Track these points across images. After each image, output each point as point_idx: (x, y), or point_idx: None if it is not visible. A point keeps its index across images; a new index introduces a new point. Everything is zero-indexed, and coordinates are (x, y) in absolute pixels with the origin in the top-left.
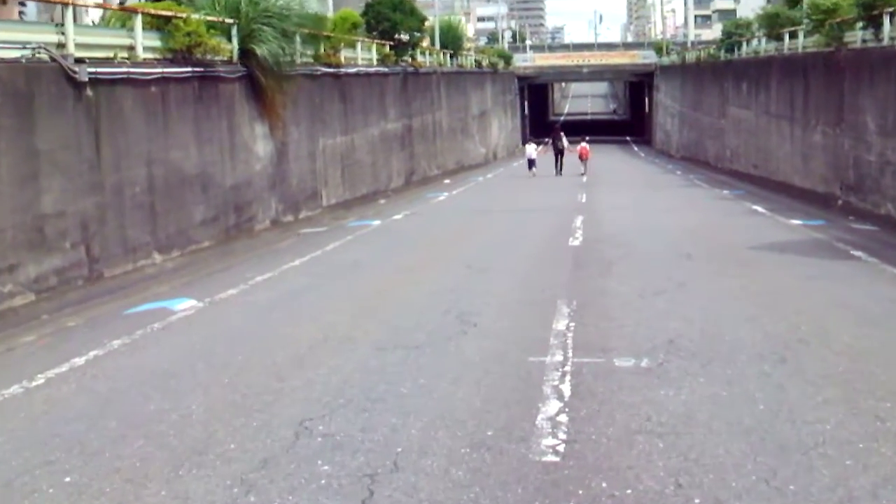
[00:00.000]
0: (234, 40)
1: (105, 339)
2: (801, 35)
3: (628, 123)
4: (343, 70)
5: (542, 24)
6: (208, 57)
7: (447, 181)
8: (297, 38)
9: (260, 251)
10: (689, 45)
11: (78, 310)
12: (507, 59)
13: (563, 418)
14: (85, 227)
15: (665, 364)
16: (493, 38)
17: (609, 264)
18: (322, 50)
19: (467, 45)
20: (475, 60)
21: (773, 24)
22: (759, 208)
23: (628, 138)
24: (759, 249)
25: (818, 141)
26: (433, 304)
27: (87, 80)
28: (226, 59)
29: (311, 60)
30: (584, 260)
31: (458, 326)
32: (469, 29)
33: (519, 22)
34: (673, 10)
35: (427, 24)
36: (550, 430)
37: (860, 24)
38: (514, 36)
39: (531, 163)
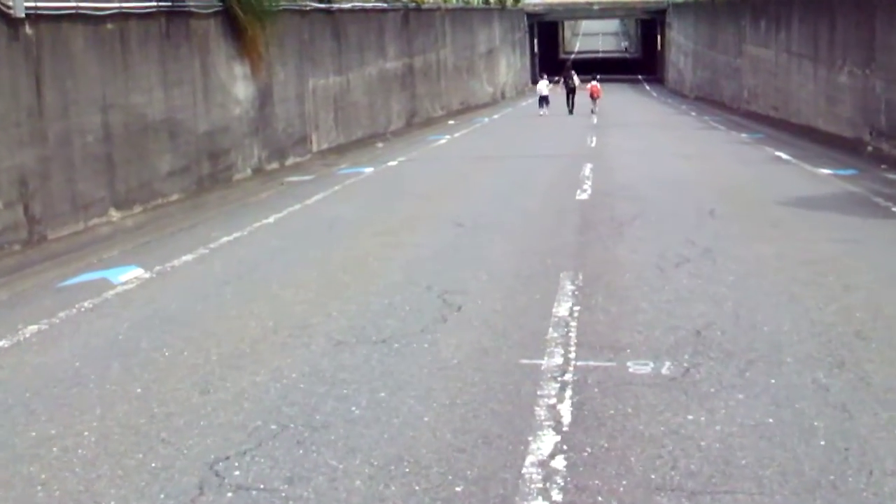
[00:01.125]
0: None
1: (21, 323)
2: None
3: (640, 62)
4: (336, 5)
5: None
6: None
7: (451, 122)
8: None
9: (234, 205)
10: None
11: (7, 281)
12: None
13: (559, 463)
14: (23, 184)
15: (692, 371)
16: None
17: (621, 224)
18: None
19: None
20: None
21: None
22: (783, 155)
23: (640, 77)
24: (789, 205)
25: (845, 82)
26: (413, 278)
27: (23, 15)
28: None
29: None
30: (592, 218)
31: (438, 310)
32: None
33: None
34: None
35: None
36: (541, 485)
37: None
38: None
39: (543, 100)
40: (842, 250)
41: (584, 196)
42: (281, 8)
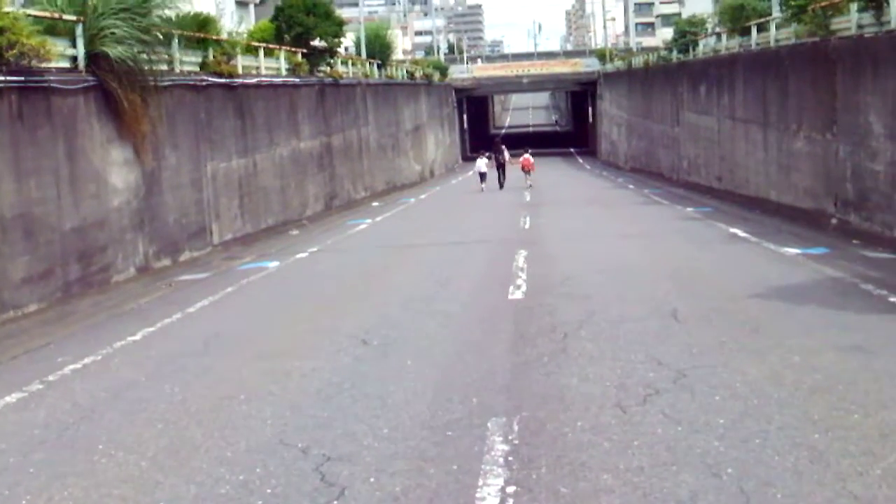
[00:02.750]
0: (80, 42)
1: None
2: (772, 27)
3: (572, 135)
4: (240, 81)
5: (480, 38)
6: (34, 63)
7: (375, 204)
8: (175, 43)
9: (104, 315)
10: (634, 50)
11: None
12: (443, 71)
13: None
14: None
15: None
16: (430, 51)
17: (565, 335)
18: (211, 56)
19: (401, 56)
20: (407, 72)
21: (737, 17)
22: (739, 231)
23: (572, 150)
24: (765, 298)
25: (801, 148)
26: (287, 434)
27: None
28: (66, 66)
29: (197, 69)
30: (529, 328)
31: (310, 496)
32: (406, 43)
33: (458, 35)
34: (613, 18)
35: (350, 32)
36: None
37: (856, 7)
38: (450, 48)
39: (482, 176)
40: (854, 365)
41: (518, 294)
42: (170, 83)
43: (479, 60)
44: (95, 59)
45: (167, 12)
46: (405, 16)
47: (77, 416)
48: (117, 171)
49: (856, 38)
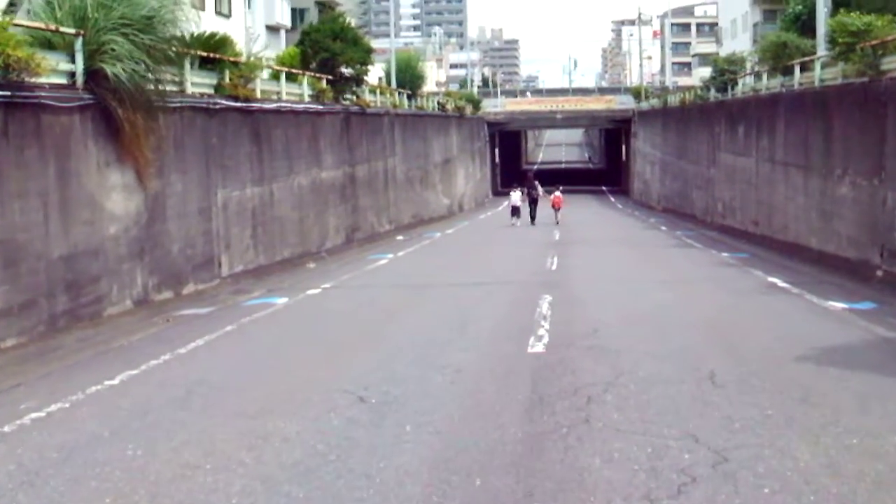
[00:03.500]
0: (79, 57)
1: None
2: (817, 66)
3: (604, 172)
4: (257, 105)
5: (516, 73)
6: (24, 78)
7: (400, 237)
8: (187, 63)
9: (90, 352)
10: (670, 88)
11: None
12: (476, 104)
13: None
14: None
15: None
16: (464, 84)
17: (588, 401)
18: (227, 79)
19: (435, 88)
20: (438, 103)
21: (778, 56)
22: (778, 281)
23: (604, 188)
24: (813, 361)
25: (846, 194)
26: None
27: None
28: (62, 83)
29: (211, 91)
30: (548, 390)
31: None
32: (441, 75)
33: (493, 69)
34: (650, 57)
35: (380, 63)
36: None
37: None
38: (484, 81)
39: (514, 210)
40: None
41: (539, 347)
42: (178, 104)
43: (519, 94)
44: (95, 76)
45: (180, 31)
46: (441, 48)
47: (18, 480)
48: (115, 196)
49: None
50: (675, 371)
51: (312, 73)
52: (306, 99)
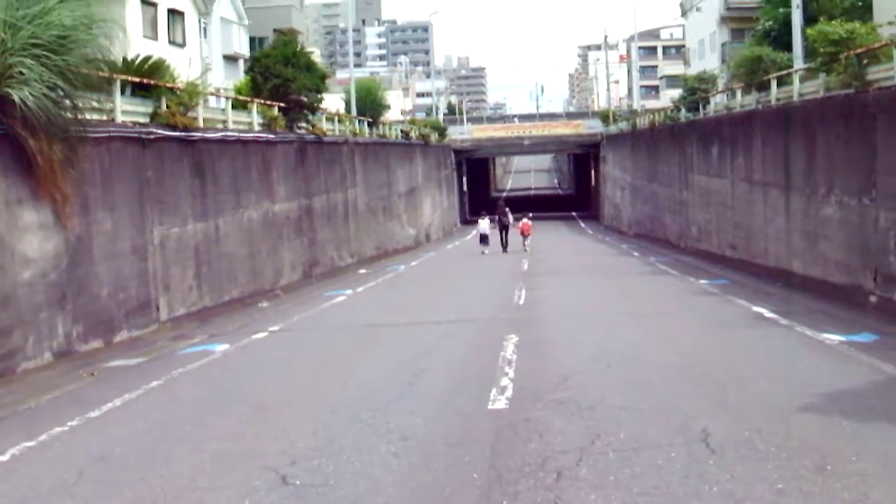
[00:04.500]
0: None
1: None
2: (795, 79)
3: (574, 198)
4: (199, 135)
5: (483, 100)
6: None
7: (362, 271)
8: (117, 89)
9: None
10: (638, 111)
11: None
12: (442, 131)
13: None
14: None
15: None
16: (430, 112)
17: (558, 476)
18: (164, 107)
19: (400, 116)
20: (402, 131)
21: (753, 71)
22: (765, 311)
23: (574, 213)
24: (820, 412)
25: (831, 214)
26: None
27: None
28: None
29: (146, 120)
30: (509, 462)
31: None
32: (408, 104)
33: (460, 97)
34: (617, 81)
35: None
36: None
37: None
38: (451, 109)
39: (483, 238)
40: None
41: (501, 402)
42: (106, 134)
43: (486, 121)
44: (1, 102)
45: (103, 54)
46: (407, 77)
47: None
48: (30, 237)
49: None
50: (661, 431)
51: (263, 101)
52: (256, 128)
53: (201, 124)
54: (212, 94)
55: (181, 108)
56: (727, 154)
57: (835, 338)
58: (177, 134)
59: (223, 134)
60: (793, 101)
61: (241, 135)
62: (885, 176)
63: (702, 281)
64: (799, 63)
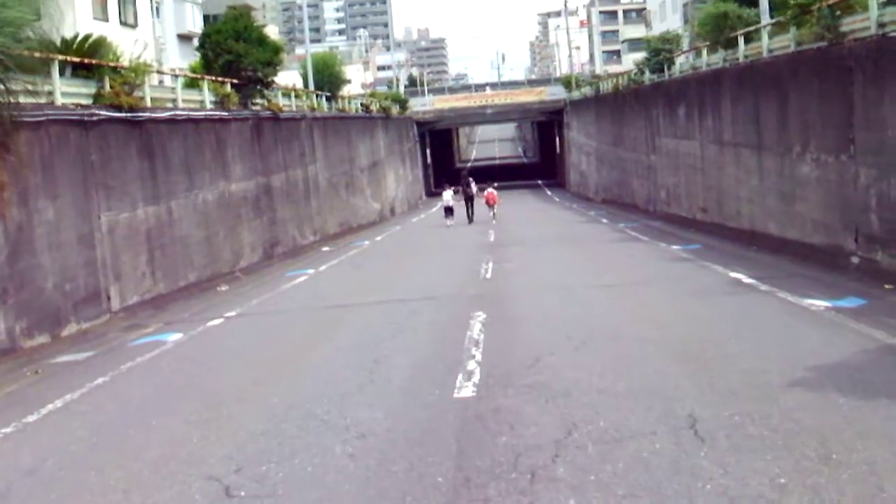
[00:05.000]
0: None
1: None
2: (764, 35)
3: (539, 166)
4: (146, 115)
5: (444, 72)
6: None
7: (325, 249)
8: (54, 70)
9: None
10: (602, 75)
11: None
12: (403, 103)
13: None
14: None
15: None
16: (391, 85)
17: (532, 480)
18: (108, 87)
19: (361, 90)
20: (362, 104)
21: (719, 28)
22: (743, 276)
23: (540, 182)
24: (813, 389)
25: (808, 173)
26: None
27: None
28: None
29: (89, 101)
30: (477, 461)
31: None
32: (368, 77)
33: (421, 69)
34: (578, 47)
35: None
36: None
37: (876, 2)
38: (412, 81)
39: (448, 211)
40: None
41: (469, 389)
42: (43, 117)
43: (448, 91)
44: None
45: (35, 33)
46: (367, 51)
47: None
48: None
49: (878, 38)
50: (644, 418)
51: (215, 78)
52: (208, 106)
53: (149, 104)
54: (159, 72)
55: (126, 88)
56: (695, 115)
57: (819, 303)
58: (122, 115)
59: (173, 113)
60: (762, 58)
61: (192, 113)
62: (864, 131)
63: (674, 247)
64: (766, 18)
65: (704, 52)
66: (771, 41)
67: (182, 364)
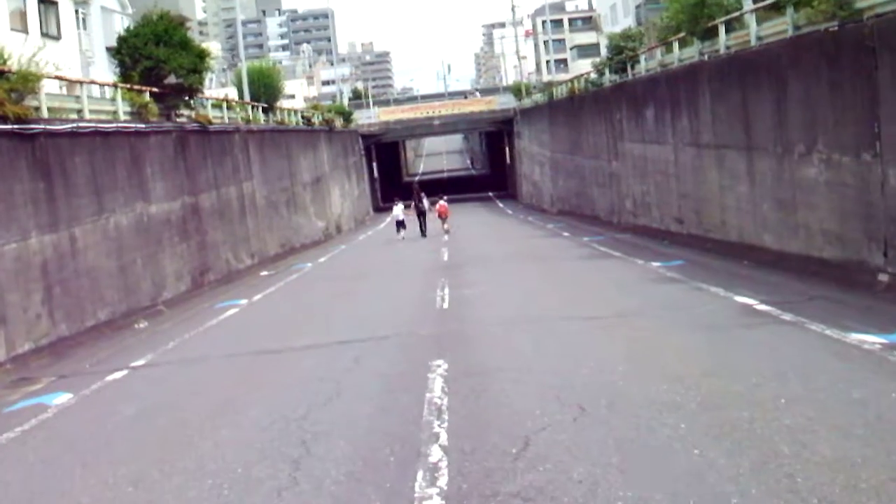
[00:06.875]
0: None
1: None
2: (752, 21)
3: (489, 178)
4: (40, 127)
5: (390, 85)
6: None
7: (264, 273)
8: None
9: None
10: (553, 82)
11: None
12: (347, 116)
13: None
14: None
15: None
16: (335, 100)
17: None
18: None
19: (304, 104)
20: (303, 117)
21: (696, 18)
22: (753, 301)
23: (491, 194)
24: None
25: (815, 176)
26: None
27: None
28: None
29: None
30: None
31: None
32: (312, 91)
33: (366, 83)
34: (525, 57)
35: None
36: None
37: None
38: (357, 94)
39: (399, 225)
40: None
41: (434, 502)
42: None
43: (391, 103)
44: None
45: None
46: (310, 66)
47: None
48: None
49: None
50: None
51: (129, 86)
52: (122, 117)
53: (45, 114)
54: (58, 77)
55: (13, 96)
56: (666, 117)
57: (871, 339)
58: (7, 127)
59: (75, 125)
60: (750, 47)
61: (101, 126)
62: (893, 126)
63: (654, 263)
64: (748, 4)
65: (675, 45)
66: (760, 27)
67: (52, 447)
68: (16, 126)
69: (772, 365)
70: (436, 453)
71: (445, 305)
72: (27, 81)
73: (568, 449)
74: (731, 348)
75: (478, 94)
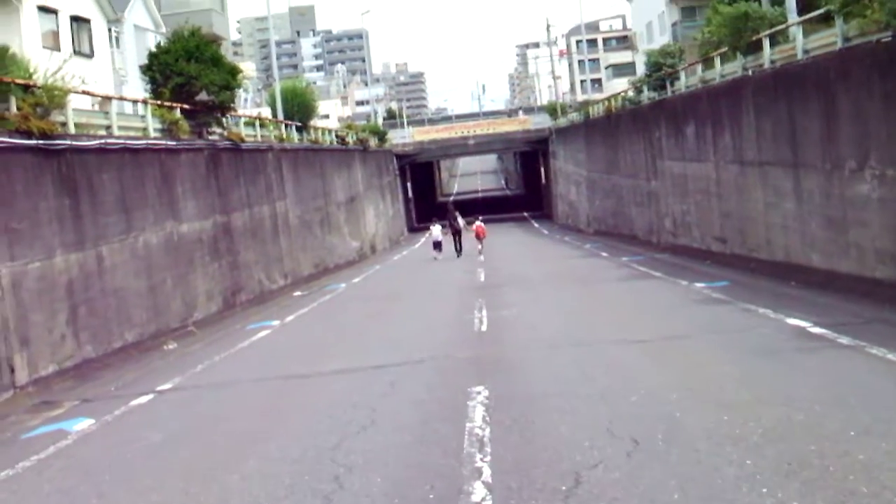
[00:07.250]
0: None
1: None
2: (799, 33)
3: (524, 198)
4: (66, 143)
5: (424, 105)
6: None
7: (298, 293)
8: None
9: None
10: (589, 101)
11: None
12: (381, 135)
13: None
14: None
15: None
16: (369, 119)
17: None
18: (13, 109)
19: (337, 123)
20: (337, 136)
21: (739, 32)
22: (806, 324)
23: (526, 214)
24: None
25: (868, 193)
26: None
27: None
28: None
29: None
30: None
31: None
32: (346, 111)
33: (400, 103)
34: (559, 77)
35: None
36: None
37: None
38: (391, 114)
39: (437, 245)
40: None
41: None
42: None
43: (425, 123)
44: None
45: None
46: (345, 86)
47: None
48: None
49: None
50: None
51: (159, 103)
52: (152, 134)
53: (72, 130)
54: (85, 92)
55: (38, 111)
56: (707, 134)
57: None
58: (32, 142)
59: (102, 142)
60: (796, 60)
61: (130, 142)
62: None
63: (698, 284)
64: (793, 17)
65: (717, 60)
66: (807, 40)
67: (68, 477)
68: (41, 141)
69: (833, 392)
70: (479, 491)
71: (483, 328)
72: (53, 96)
73: (621, 486)
74: (788, 374)
75: (521, 112)
